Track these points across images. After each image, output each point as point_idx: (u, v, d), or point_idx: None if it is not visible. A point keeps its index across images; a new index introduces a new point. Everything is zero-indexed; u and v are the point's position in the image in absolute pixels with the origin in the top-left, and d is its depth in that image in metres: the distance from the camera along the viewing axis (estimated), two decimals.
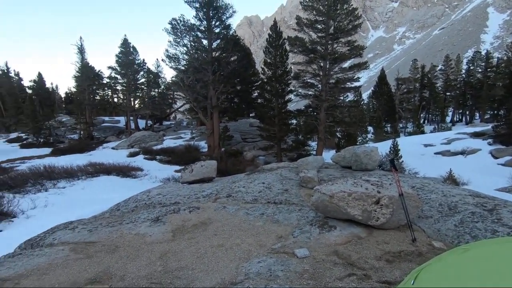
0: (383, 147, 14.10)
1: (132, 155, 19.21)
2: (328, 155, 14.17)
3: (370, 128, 32.67)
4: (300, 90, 18.01)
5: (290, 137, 21.08)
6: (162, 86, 38.94)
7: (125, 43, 31.77)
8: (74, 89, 38.16)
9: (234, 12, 19.05)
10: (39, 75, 49.19)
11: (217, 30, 19.24)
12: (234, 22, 19.53)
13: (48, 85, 57.10)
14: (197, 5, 18.09)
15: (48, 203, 8.08)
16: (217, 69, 19.11)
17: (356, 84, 17.77)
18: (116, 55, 32.22)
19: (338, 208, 2.89)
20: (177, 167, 15.94)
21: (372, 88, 40.08)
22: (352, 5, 15.94)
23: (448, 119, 39.79)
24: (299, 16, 16.79)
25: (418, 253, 2.40)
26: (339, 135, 22.40)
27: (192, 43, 19.38)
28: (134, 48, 32.67)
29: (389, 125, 36.18)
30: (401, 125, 37.88)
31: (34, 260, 2.56)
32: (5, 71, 48.56)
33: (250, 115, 31.64)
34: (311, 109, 18.21)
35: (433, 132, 28.83)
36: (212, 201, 4.23)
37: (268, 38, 18.10)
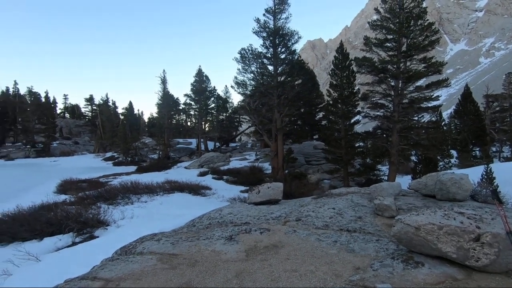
0: (472, 174, 12.13)
1: (202, 174, 20.61)
2: (402, 181, 12.84)
3: (453, 152, 28.72)
4: (368, 111, 17.13)
5: (357, 160, 19.95)
6: (230, 110, 41.59)
7: (200, 73, 35.23)
8: (156, 115, 43.49)
9: (300, 38, 19.64)
10: (130, 103, 57.48)
11: (282, 56, 19.99)
12: (298, 47, 20.04)
13: (135, 111, 66.38)
14: (264, 34, 19.22)
15: (133, 215, 9.14)
16: (282, 93, 19.64)
17: (435, 103, 16.09)
18: (191, 84, 35.92)
19: (426, 243, 2.58)
20: (243, 188, 16.45)
21: (454, 107, 35.54)
22: (428, 19, 14.86)
23: None
24: (367, 36, 16.33)
25: None
26: (414, 160, 20.26)
27: (258, 70, 20.47)
28: (206, 76, 35.94)
29: (477, 149, 31.23)
30: (494, 149, 32.33)
31: (129, 266, 2.90)
32: (105, 100, 58.23)
33: (314, 137, 31.17)
34: (379, 131, 17.06)
35: None
36: (282, 224, 4.22)
37: (333, 60, 17.98)
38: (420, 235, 2.60)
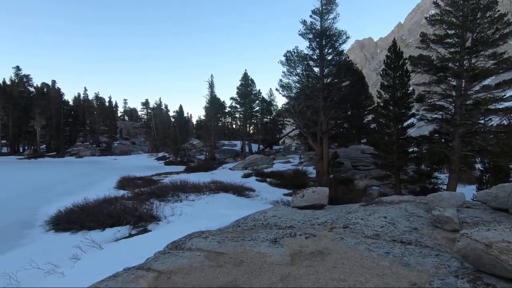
0: None
1: (246, 176, 20.97)
2: (465, 191, 11.50)
3: None
4: (424, 114, 15.76)
5: (410, 166, 18.46)
6: (274, 113, 41.76)
7: (245, 77, 36.05)
8: (203, 117, 45.53)
9: (348, 38, 18.96)
10: (180, 107, 61.13)
11: (329, 57, 19.49)
12: (346, 47, 19.28)
13: (185, 114, 70.30)
14: (311, 36, 18.93)
15: (182, 212, 9.64)
16: (328, 95, 19.11)
17: (507, 104, 14.18)
18: (237, 87, 36.94)
19: (499, 263, 2.27)
20: (286, 191, 16.34)
21: None
22: (498, 10, 13.20)
23: None
24: (424, 32, 15.07)
25: None
26: (480, 168, 18.04)
27: (304, 72, 20.22)
28: (252, 80, 36.64)
29: None
30: None
31: (179, 260, 3.05)
32: (159, 104, 62.69)
33: (362, 141, 29.72)
34: (437, 135, 15.57)
35: None
36: (328, 230, 4.08)
37: (385, 59, 16.95)
38: (492, 253, 2.29)
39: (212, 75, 39.73)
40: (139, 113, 77.21)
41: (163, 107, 65.65)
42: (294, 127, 30.79)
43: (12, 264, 5.57)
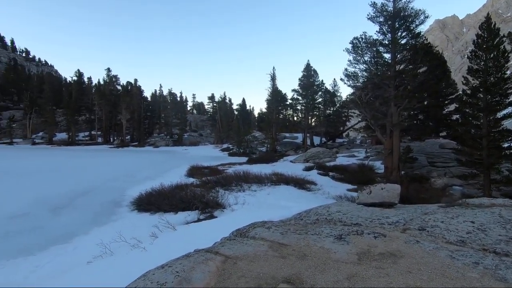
0: None
1: (307, 169, 20.65)
2: None
3: None
4: None
5: (504, 165, 15.61)
6: (338, 105, 39.90)
7: (308, 67, 35.14)
8: (265, 110, 46.14)
9: (426, 17, 16.75)
10: (243, 100, 63.05)
11: (403, 41, 17.58)
12: (423, 28, 16.92)
13: (247, 107, 72.37)
14: (381, 19, 17.31)
15: (245, 202, 10.02)
16: (400, 83, 17.33)
17: None
18: (299, 79, 36.24)
19: None
20: (350, 186, 15.59)
21: None
22: None
23: None
24: None
25: None
26: None
27: (372, 59, 18.68)
28: (314, 71, 35.55)
29: None
30: None
31: (244, 248, 3.17)
32: (223, 98, 65.80)
33: (440, 134, 26.37)
34: None
35: None
36: (400, 231, 3.73)
37: (475, 39, 14.53)
38: None
39: (274, 68, 39.84)
40: (206, 106, 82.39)
41: (227, 100, 68.77)
42: (360, 119, 28.87)
43: (107, 236, 6.60)
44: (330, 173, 19.23)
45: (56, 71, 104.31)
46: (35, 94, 61.72)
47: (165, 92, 72.71)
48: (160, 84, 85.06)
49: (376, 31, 17.94)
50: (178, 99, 73.06)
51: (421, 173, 18.12)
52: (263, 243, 3.31)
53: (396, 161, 17.24)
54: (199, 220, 8.39)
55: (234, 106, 71.01)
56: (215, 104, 69.91)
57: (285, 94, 46.44)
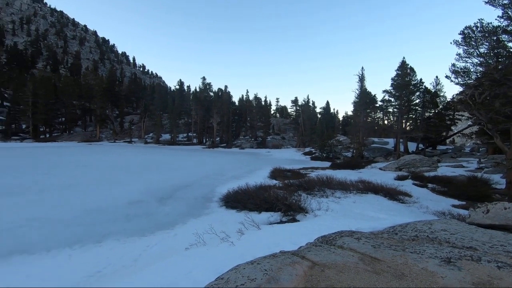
0: None
1: (400, 178, 18.54)
2: None
3: None
4: None
5: None
6: (440, 106, 34.52)
7: (403, 66, 31.68)
8: (350, 113, 43.58)
9: None
10: (327, 103, 61.27)
11: None
12: None
13: (331, 110, 69.91)
14: (506, 1, 14.20)
15: (328, 208, 9.64)
16: None
17: None
18: (392, 78, 32.95)
19: None
20: (455, 201, 13.24)
21: None
22: None
23: None
24: None
25: None
26: None
27: (491, 51, 15.48)
28: (411, 69, 31.81)
29: None
30: None
31: (331, 256, 3.04)
32: (307, 101, 65.20)
33: None
34: None
35: None
36: None
37: None
38: None
39: (362, 68, 37.23)
40: (289, 110, 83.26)
41: (310, 103, 67.83)
42: (471, 123, 24.21)
43: (200, 227, 7.36)
44: (430, 185, 16.69)
45: (164, 82, 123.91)
46: (148, 101, 74.92)
47: (251, 97, 76.79)
48: (247, 89, 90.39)
49: (498, 16, 14.80)
50: (263, 103, 76.06)
51: None
52: (353, 254, 3.11)
53: None
54: (281, 222, 8.49)
55: (318, 109, 69.58)
56: (298, 108, 69.91)
57: (374, 95, 42.87)
